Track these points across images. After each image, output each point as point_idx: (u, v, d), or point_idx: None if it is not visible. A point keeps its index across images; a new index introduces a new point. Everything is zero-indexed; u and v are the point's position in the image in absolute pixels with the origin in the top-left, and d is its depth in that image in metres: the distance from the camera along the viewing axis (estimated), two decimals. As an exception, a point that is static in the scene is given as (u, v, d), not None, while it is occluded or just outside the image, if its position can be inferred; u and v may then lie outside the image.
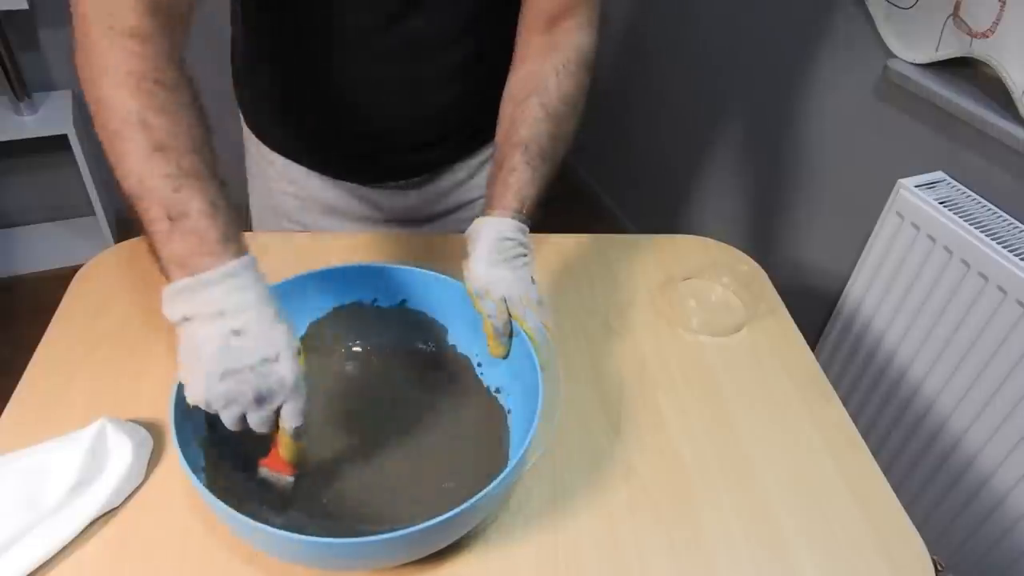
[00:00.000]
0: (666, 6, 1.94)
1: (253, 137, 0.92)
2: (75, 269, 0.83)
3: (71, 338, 0.74)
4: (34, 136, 1.80)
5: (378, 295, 0.71)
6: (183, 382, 0.51)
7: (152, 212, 0.49)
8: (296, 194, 0.93)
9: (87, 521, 0.57)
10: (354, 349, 0.72)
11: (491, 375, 0.69)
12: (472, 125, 0.89)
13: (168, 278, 0.49)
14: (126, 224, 2.21)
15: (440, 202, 0.96)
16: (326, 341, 0.71)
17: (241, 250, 0.50)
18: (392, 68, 0.79)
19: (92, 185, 1.88)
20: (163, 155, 0.50)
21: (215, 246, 0.49)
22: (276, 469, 0.56)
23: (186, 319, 0.49)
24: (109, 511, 0.58)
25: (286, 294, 0.63)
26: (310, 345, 0.68)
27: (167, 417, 0.66)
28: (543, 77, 0.71)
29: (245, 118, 0.93)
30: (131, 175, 0.50)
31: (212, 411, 0.50)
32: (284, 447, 0.54)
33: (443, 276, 0.69)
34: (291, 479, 0.57)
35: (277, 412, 0.51)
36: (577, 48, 0.73)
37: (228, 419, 0.51)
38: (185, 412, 0.57)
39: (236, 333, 0.48)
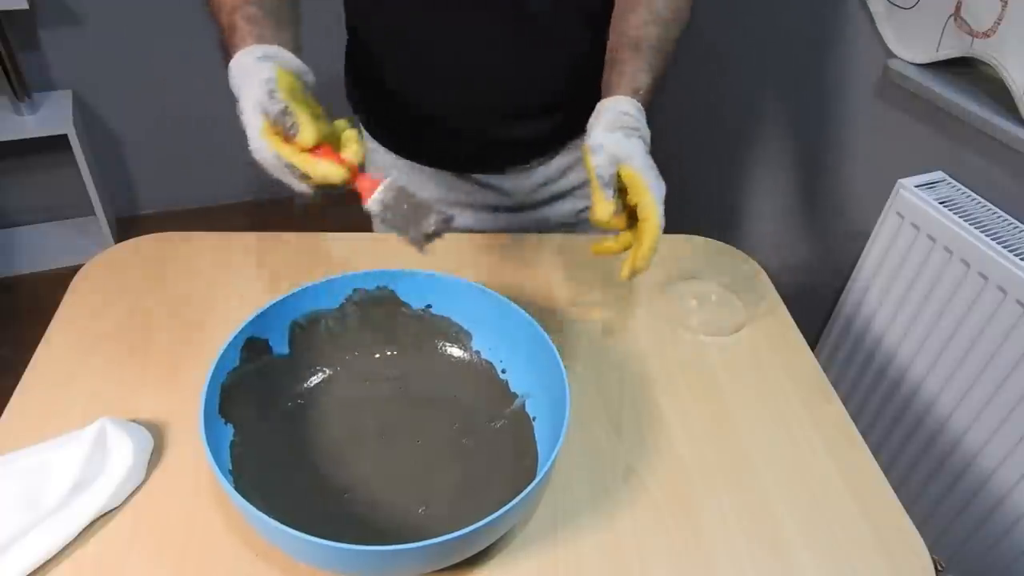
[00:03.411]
0: (666, 6, 1.94)
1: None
2: (75, 269, 0.83)
3: (71, 338, 0.74)
4: (34, 136, 1.80)
5: (404, 299, 0.71)
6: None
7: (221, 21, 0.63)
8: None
9: (87, 521, 0.57)
10: (379, 354, 0.72)
11: (516, 381, 0.69)
12: (572, 115, 0.90)
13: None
14: (126, 224, 2.22)
15: (535, 192, 0.99)
16: (351, 334, 0.71)
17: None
18: (500, 42, 0.82)
19: (92, 185, 1.88)
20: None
21: (244, 43, 0.59)
22: (364, 188, 0.58)
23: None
24: (109, 511, 0.58)
25: (314, 296, 0.67)
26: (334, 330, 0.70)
27: (168, 418, 0.67)
28: None
29: (356, 114, 0.97)
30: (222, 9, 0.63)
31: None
32: (340, 145, 0.57)
33: (469, 282, 0.69)
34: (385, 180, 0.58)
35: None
36: None
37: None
38: (213, 415, 0.58)
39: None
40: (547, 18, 0.81)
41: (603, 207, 0.64)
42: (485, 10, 0.79)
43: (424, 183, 0.98)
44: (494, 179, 0.98)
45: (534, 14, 0.80)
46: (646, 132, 0.68)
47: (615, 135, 0.65)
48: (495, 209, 1.01)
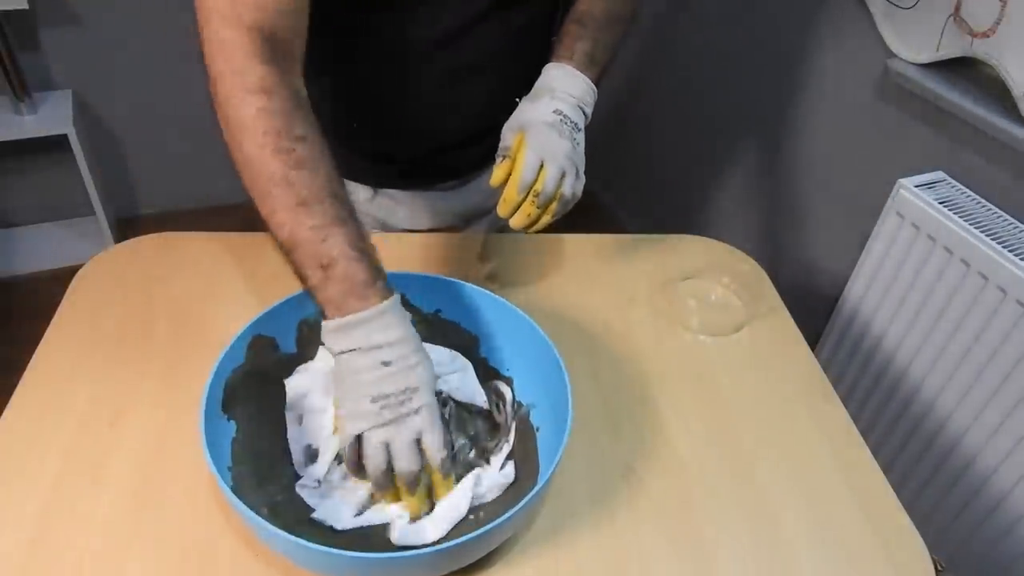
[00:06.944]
0: (666, 5, 1.94)
1: None
2: (75, 269, 0.83)
3: (71, 338, 0.74)
4: (34, 136, 1.80)
5: (414, 303, 0.71)
6: (340, 410, 0.55)
7: (306, 263, 0.55)
8: None
9: None
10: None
11: (522, 391, 0.68)
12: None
13: (324, 316, 0.55)
14: (126, 224, 2.22)
15: (485, 203, 0.98)
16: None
17: (387, 290, 0.56)
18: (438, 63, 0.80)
19: (92, 185, 1.88)
20: (307, 209, 0.55)
21: (364, 289, 0.54)
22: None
23: (346, 351, 0.54)
24: (110, 508, 0.58)
25: None
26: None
27: (167, 418, 0.67)
28: None
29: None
30: (283, 228, 0.56)
31: (357, 437, 0.54)
32: (436, 486, 0.57)
33: (481, 288, 0.69)
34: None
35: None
36: None
37: (374, 449, 0.53)
38: (216, 410, 0.58)
39: (386, 364, 0.54)
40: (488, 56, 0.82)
41: (494, 172, 0.69)
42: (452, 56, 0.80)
43: (396, 209, 0.96)
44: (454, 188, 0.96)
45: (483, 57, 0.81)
46: (565, 95, 0.71)
47: (525, 103, 0.71)
48: (467, 220, 1.00)
